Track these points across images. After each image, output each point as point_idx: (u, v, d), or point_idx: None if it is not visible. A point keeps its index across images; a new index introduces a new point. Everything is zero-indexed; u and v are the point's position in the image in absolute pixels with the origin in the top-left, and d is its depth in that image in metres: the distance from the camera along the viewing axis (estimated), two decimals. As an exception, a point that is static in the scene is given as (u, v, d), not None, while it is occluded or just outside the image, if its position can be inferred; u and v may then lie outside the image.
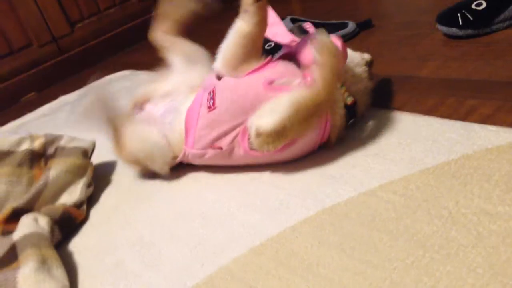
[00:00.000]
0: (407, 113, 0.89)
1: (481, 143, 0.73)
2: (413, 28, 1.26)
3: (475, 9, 1.07)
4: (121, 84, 1.69)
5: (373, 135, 0.86)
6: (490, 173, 0.67)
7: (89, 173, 1.00)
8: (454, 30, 1.08)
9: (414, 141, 0.80)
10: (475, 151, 0.72)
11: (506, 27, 1.06)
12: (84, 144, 1.03)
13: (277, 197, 0.79)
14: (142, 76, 1.70)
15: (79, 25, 2.13)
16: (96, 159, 1.11)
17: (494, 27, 1.06)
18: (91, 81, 1.78)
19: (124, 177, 1.05)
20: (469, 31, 1.07)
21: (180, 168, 0.96)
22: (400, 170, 0.74)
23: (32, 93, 2.05)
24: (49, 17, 2.04)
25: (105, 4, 2.19)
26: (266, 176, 0.86)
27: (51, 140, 1.01)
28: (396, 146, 0.80)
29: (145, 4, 2.30)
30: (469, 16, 1.07)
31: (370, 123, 0.89)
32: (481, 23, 1.06)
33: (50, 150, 1.00)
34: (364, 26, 1.36)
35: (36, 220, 0.85)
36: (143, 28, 2.24)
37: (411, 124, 0.85)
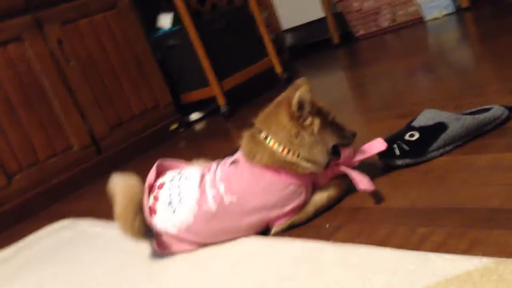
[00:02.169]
0: (362, 245, 0.88)
1: (440, 273, 0.72)
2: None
3: (409, 140, 1.13)
4: (62, 235, 1.61)
5: (331, 271, 0.83)
6: (456, 304, 0.65)
7: None
8: (392, 161, 1.13)
9: (373, 275, 0.78)
10: (436, 282, 0.70)
11: (440, 155, 1.13)
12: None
13: None
14: (83, 224, 1.63)
15: (17, 177, 2.07)
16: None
17: (429, 156, 1.12)
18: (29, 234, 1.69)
19: None
20: (407, 160, 1.12)
21: None
22: (364, 309, 0.71)
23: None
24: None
25: (45, 154, 2.16)
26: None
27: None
28: (356, 281, 0.78)
29: (86, 152, 2.29)
30: (404, 146, 1.13)
31: (327, 258, 0.87)
32: (417, 152, 1.12)
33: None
34: None
35: None
36: (83, 175, 2.24)
37: (368, 256, 0.83)
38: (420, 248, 0.81)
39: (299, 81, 1.09)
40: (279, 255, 0.95)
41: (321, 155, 1.04)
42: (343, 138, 1.10)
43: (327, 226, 1.01)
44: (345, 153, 1.08)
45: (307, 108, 1.02)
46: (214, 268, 1.00)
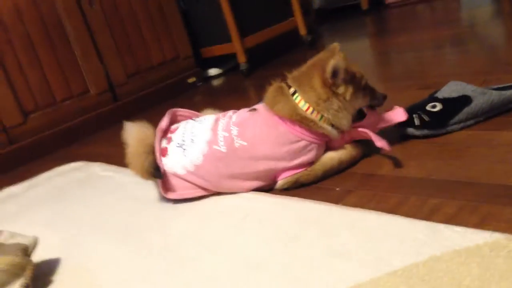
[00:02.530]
0: (371, 211, 0.87)
1: (448, 244, 0.71)
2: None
3: (430, 111, 1.10)
4: (74, 175, 1.62)
5: (338, 233, 0.82)
6: (461, 277, 0.64)
7: (27, 273, 0.91)
8: (411, 130, 1.10)
9: (380, 241, 0.77)
10: (443, 253, 0.69)
11: (460, 129, 1.10)
12: (25, 241, 0.95)
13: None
14: (95, 167, 1.64)
15: (33, 115, 2.08)
16: (38, 256, 1.02)
17: (449, 128, 1.09)
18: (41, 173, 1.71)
19: (66, 277, 0.96)
20: (425, 131, 1.09)
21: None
22: (367, 272, 0.70)
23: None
24: (1, 107, 1.98)
25: (62, 95, 2.16)
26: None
27: (-11, 236, 0.92)
28: (361, 245, 0.77)
29: (102, 97, 2.29)
30: (424, 117, 1.10)
31: (334, 221, 0.86)
32: (437, 124, 1.09)
33: (-13, 247, 0.91)
34: None
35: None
36: (98, 120, 2.25)
37: (376, 222, 0.82)
38: (430, 219, 0.79)
39: (334, 45, 1.08)
40: (286, 214, 0.95)
41: (345, 120, 1.04)
42: (373, 100, 1.10)
43: (337, 189, 1.00)
44: (370, 118, 1.08)
45: (341, 75, 1.01)
46: (220, 221, 1.00)
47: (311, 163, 1.05)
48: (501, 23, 2.13)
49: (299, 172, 1.04)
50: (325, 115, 1.02)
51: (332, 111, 1.03)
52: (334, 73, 1.00)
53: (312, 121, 1.02)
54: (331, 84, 1.02)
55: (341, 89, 1.03)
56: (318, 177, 1.05)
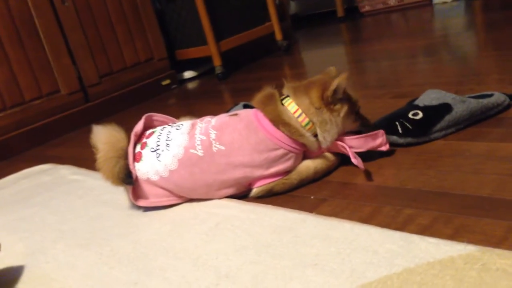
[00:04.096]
0: (345, 220, 0.86)
1: (422, 256, 0.70)
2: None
3: (413, 119, 1.10)
4: (41, 178, 1.57)
5: (311, 243, 0.81)
6: (435, 289, 0.63)
7: (-13, 281, 0.86)
8: (394, 138, 1.10)
9: (353, 252, 0.76)
10: (417, 265, 0.69)
11: (443, 137, 1.10)
12: (-14, 248, 0.90)
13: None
14: (63, 170, 1.59)
15: (0, 114, 2.01)
16: (1, 264, 0.97)
17: (432, 136, 1.10)
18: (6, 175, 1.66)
19: (30, 286, 0.92)
20: (409, 139, 1.09)
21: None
22: (340, 284, 0.69)
23: None
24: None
25: (31, 94, 2.10)
26: (195, 289, 0.77)
27: None
28: (335, 256, 0.76)
29: (73, 97, 2.24)
30: (407, 124, 1.10)
31: (308, 230, 0.85)
32: (420, 132, 1.09)
33: None
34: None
35: None
36: (69, 121, 2.19)
37: (350, 232, 0.81)
38: (404, 229, 0.79)
39: (330, 69, 1.11)
40: (259, 222, 0.93)
41: (330, 135, 1.03)
42: (363, 127, 1.10)
43: (311, 198, 0.99)
44: (352, 141, 1.05)
45: (339, 94, 1.02)
46: (191, 228, 0.98)
47: (287, 172, 1.04)
48: (472, 35, 2.17)
49: (274, 181, 1.03)
50: (314, 120, 1.02)
51: (321, 119, 1.02)
52: (335, 92, 1.01)
53: (295, 128, 1.01)
54: (329, 102, 1.02)
55: (337, 106, 1.03)
56: (293, 186, 1.04)
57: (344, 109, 1.03)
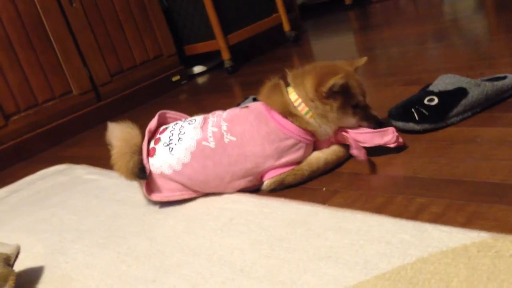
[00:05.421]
0: (357, 211, 0.86)
1: (435, 245, 0.70)
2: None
3: (429, 105, 1.10)
4: (57, 179, 1.60)
5: (325, 235, 0.82)
6: (448, 279, 0.63)
7: (10, 283, 0.89)
8: (411, 125, 1.10)
9: (366, 243, 0.76)
10: (430, 254, 0.69)
11: (460, 121, 1.10)
12: (7, 250, 0.93)
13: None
14: (79, 170, 1.61)
15: (15, 117, 2.04)
16: (21, 265, 0.99)
17: (449, 121, 1.09)
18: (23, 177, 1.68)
19: (51, 286, 0.94)
20: (426, 126, 1.09)
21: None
22: (354, 276, 0.70)
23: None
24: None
25: (43, 96, 2.12)
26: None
27: (-32, 246, 0.90)
28: (349, 248, 0.76)
29: (86, 97, 2.26)
30: (423, 111, 1.09)
31: (321, 222, 0.86)
32: (437, 117, 1.09)
33: (-34, 258, 0.89)
34: None
35: None
36: (82, 121, 2.22)
37: (362, 223, 0.82)
38: (417, 218, 0.79)
39: (362, 59, 1.11)
40: (273, 216, 0.94)
41: (328, 127, 1.04)
42: (363, 121, 1.06)
43: (323, 189, 1.00)
44: (358, 135, 1.04)
45: (333, 91, 1.01)
46: (206, 224, 0.99)
47: (298, 162, 1.05)
48: (483, 17, 2.14)
49: (285, 172, 1.03)
50: (312, 110, 1.03)
51: (317, 111, 1.03)
52: (330, 90, 1.00)
53: (300, 117, 1.03)
54: (322, 97, 1.02)
55: (329, 100, 1.02)
56: (305, 177, 1.04)
57: (337, 103, 1.02)
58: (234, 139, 1.04)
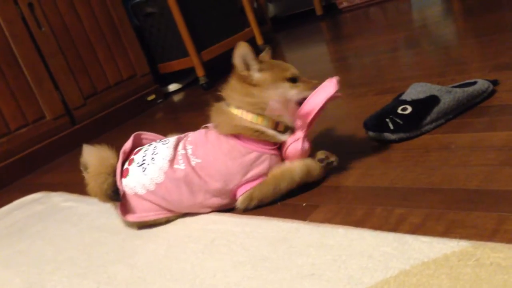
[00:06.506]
0: (338, 225, 0.86)
1: (417, 257, 0.70)
2: (335, 136, 1.29)
3: (402, 114, 1.11)
4: (33, 208, 1.56)
5: (307, 252, 0.81)
6: (431, 290, 0.63)
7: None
8: (386, 135, 1.11)
9: (348, 258, 0.76)
10: (412, 266, 0.69)
11: (434, 128, 1.11)
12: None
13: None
14: (56, 198, 1.58)
15: (-14, 147, 2.00)
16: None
17: (423, 129, 1.11)
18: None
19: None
20: (401, 135, 1.10)
21: None
22: (338, 293, 0.69)
23: None
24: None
25: (16, 123, 2.08)
26: (194, 310, 0.77)
27: None
28: (331, 264, 0.76)
29: (59, 122, 2.22)
30: (398, 120, 1.10)
31: (303, 239, 0.85)
32: (411, 126, 1.10)
33: None
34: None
35: None
36: (57, 146, 2.18)
37: (344, 238, 0.82)
38: (397, 230, 0.79)
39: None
40: (254, 234, 0.93)
41: (281, 110, 1.01)
42: (309, 91, 1.04)
43: (304, 205, 0.99)
44: (306, 104, 1.02)
45: (253, 65, 1.03)
46: (187, 247, 0.98)
47: (266, 175, 1.03)
48: (451, 22, 2.19)
49: (253, 186, 1.02)
50: (252, 109, 1.02)
51: (256, 101, 1.02)
52: (245, 64, 1.02)
53: (250, 129, 1.02)
54: (245, 77, 1.03)
55: (256, 78, 1.03)
56: (271, 190, 1.02)
57: (266, 77, 1.03)
58: (199, 161, 1.04)
